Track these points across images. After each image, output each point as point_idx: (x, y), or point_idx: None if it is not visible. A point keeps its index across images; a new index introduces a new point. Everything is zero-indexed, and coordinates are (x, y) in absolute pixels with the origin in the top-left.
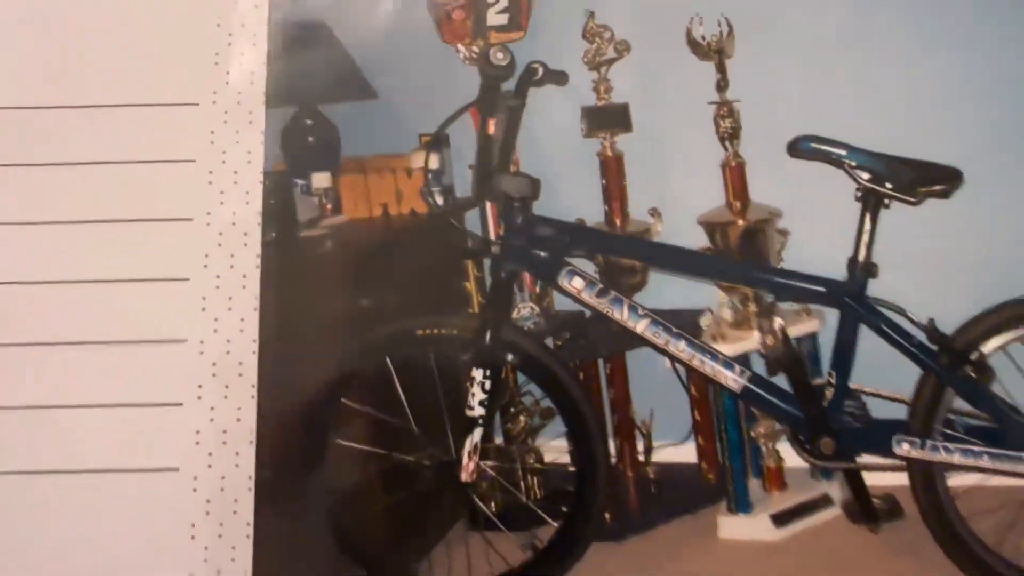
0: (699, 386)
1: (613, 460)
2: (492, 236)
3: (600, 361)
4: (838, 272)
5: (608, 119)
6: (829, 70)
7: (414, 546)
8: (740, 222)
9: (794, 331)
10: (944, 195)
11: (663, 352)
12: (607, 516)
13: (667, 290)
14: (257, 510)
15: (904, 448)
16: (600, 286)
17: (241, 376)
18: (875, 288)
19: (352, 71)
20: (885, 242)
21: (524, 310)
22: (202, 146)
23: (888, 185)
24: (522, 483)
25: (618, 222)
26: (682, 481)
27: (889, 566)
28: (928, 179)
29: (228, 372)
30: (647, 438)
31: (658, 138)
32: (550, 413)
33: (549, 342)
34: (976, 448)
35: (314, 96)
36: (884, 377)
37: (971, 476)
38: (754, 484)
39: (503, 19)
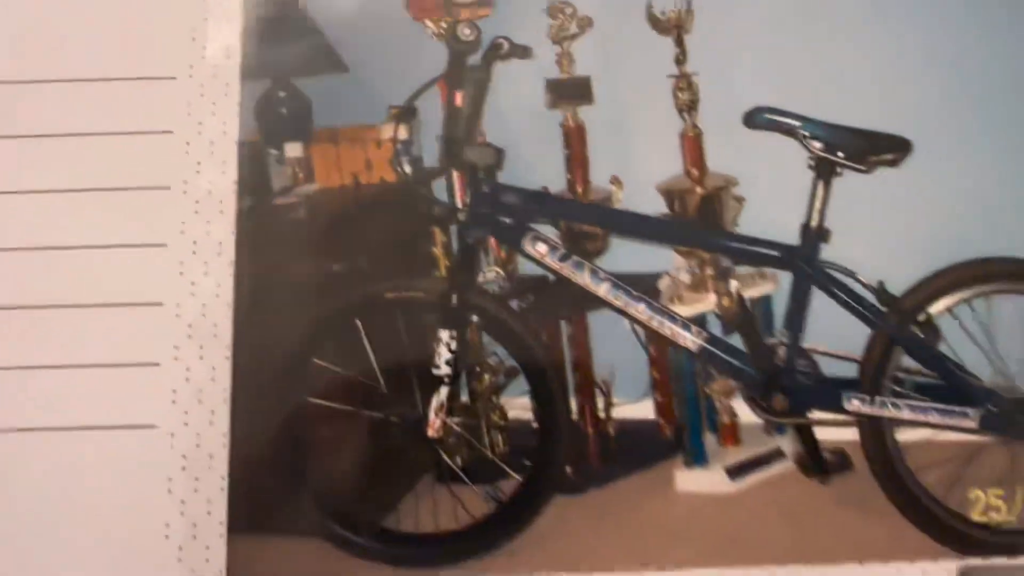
0: (657, 346)
1: (574, 417)
2: (459, 204)
3: (562, 322)
4: (792, 237)
5: (571, 91)
6: (786, 43)
7: (384, 498)
8: (698, 189)
9: (749, 293)
10: (893, 164)
11: (623, 314)
12: (568, 470)
13: (627, 255)
14: (231, 465)
15: (854, 404)
16: (563, 251)
17: (216, 337)
18: (828, 253)
19: (324, 46)
20: (839, 210)
21: (489, 274)
22: (179, 118)
23: (840, 154)
24: (487, 438)
25: (580, 190)
26: (641, 437)
27: (838, 516)
28: (878, 148)
29: (204, 334)
30: (607, 395)
31: (619, 109)
32: (514, 372)
33: (514, 304)
34: (924, 404)
35: (287, 70)
36: (836, 337)
37: (920, 431)
38: (709, 439)
39: None
